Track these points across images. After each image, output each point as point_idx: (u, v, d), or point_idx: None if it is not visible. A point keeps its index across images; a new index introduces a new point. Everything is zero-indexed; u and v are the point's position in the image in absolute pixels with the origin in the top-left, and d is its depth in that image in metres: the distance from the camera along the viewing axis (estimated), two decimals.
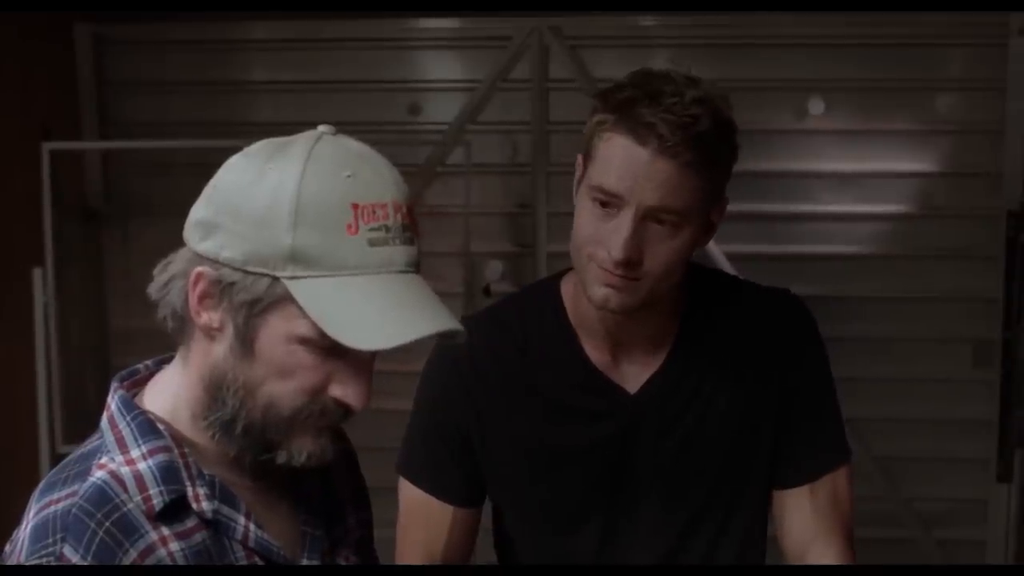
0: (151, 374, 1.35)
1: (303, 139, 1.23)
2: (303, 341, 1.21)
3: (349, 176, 1.19)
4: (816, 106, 4.20)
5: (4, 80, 3.77)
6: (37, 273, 3.82)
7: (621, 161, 1.57)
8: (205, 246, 1.22)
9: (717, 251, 3.94)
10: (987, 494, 4.22)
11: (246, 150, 1.26)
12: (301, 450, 1.27)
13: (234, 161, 1.25)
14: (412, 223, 1.24)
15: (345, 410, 1.27)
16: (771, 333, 1.78)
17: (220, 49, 4.35)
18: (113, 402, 1.29)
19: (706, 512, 1.79)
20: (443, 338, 1.26)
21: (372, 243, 1.19)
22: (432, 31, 4.35)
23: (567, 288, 1.78)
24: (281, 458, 1.27)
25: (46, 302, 3.83)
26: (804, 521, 1.79)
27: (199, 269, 1.22)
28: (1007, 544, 4.21)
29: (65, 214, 4.04)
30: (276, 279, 1.19)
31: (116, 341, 4.32)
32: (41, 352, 3.83)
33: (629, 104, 1.57)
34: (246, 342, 1.22)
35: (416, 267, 1.25)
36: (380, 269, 1.20)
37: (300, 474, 1.35)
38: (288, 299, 1.19)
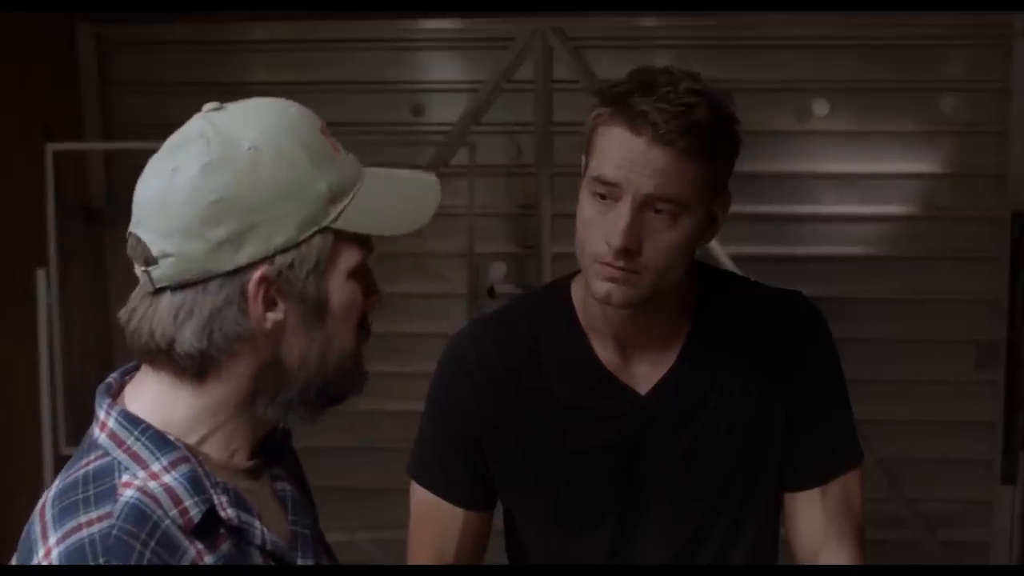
0: (122, 385, 1.31)
1: (220, 116, 1.24)
2: (356, 271, 1.27)
3: (296, 114, 1.26)
4: (821, 107, 4.19)
5: (6, 80, 3.77)
6: (41, 274, 3.82)
7: (617, 151, 1.58)
8: (248, 252, 1.20)
9: (721, 252, 3.93)
10: (991, 495, 4.22)
11: (172, 160, 1.22)
12: (363, 380, 1.33)
13: (193, 174, 1.19)
14: None
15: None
16: (783, 335, 1.77)
17: (223, 50, 4.35)
18: (111, 418, 1.24)
19: (717, 513, 1.78)
20: None
21: (346, 151, 1.29)
22: (435, 32, 4.35)
23: (577, 290, 1.78)
24: (349, 399, 1.33)
25: (49, 303, 3.83)
26: (815, 523, 1.79)
27: (259, 273, 1.20)
28: (1011, 545, 4.21)
29: (68, 215, 4.04)
30: (322, 230, 1.23)
31: (119, 342, 4.31)
32: (45, 353, 3.83)
33: (625, 96, 1.59)
34: (320, 308, 1.25)
35: None
36: (361, 169, 1.30)
37: (280, 474, 1.37)
38: (337, 240, 1.24)
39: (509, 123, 4.26)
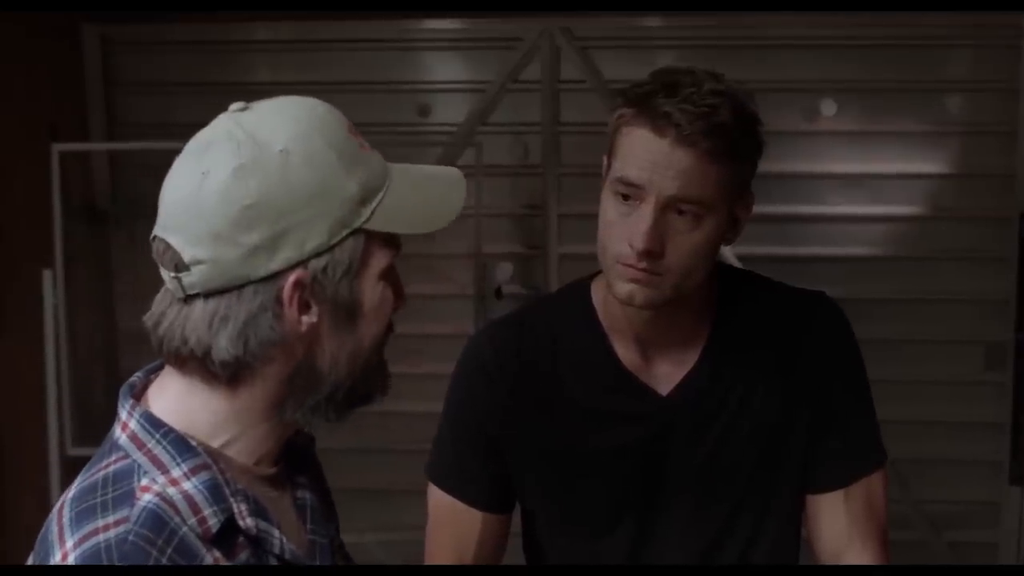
0: (145, 385, 1.28)
1: (248, 117, 1.21)
2: (386, 271, 1.25)
3: (324, 113, 1.24)
4: (828, 107, 4.19)
5: (11, 81, 3.77)
6: (47, 275, 3.81)
7: (640, 152, 1.57)
8: (283, 257, 1.17)
9: (728, 253, 3.92)
10: (999, 496, 4.22)
11: (201, 162, 1.19)
12: (389, 381, 1.32)
13: (225, 178, 1.16)
14: None
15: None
16: (805, 335, 1.76)
17: (226, 50, 4.35)
18: (133, 420, 1.22)
19: (739, 515, 1.77)
20: None
21: (373, 148, 1.26)
22: (441, 32, 4.35)
23: (598, 290, 1.77)
24: (376, 400, 1.31)
25: (55, 303, 3.83)
26: (838, 525, 1.77)
27: (294, 277, 1.18)
28: (1019, 546, 4.20)
29: (73, 215, 4.04)
30: (354, 232, 1.20)
31: (124, 342, 4.32)
32: (51, 354, 3.82)
33: (648, 97, 1.58)
34: (353, 310, 1.23)
35: None
36: (387, 166, 1.27)
37: (302, 482, 1.35)
38: (368, 242, 1.22)
39: (516, 123, 4.27)
